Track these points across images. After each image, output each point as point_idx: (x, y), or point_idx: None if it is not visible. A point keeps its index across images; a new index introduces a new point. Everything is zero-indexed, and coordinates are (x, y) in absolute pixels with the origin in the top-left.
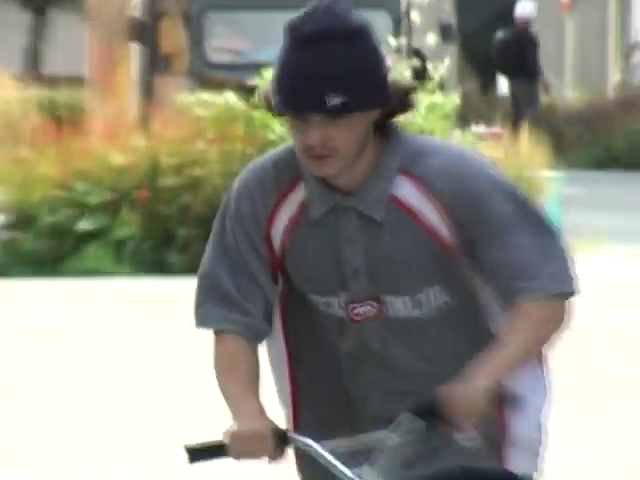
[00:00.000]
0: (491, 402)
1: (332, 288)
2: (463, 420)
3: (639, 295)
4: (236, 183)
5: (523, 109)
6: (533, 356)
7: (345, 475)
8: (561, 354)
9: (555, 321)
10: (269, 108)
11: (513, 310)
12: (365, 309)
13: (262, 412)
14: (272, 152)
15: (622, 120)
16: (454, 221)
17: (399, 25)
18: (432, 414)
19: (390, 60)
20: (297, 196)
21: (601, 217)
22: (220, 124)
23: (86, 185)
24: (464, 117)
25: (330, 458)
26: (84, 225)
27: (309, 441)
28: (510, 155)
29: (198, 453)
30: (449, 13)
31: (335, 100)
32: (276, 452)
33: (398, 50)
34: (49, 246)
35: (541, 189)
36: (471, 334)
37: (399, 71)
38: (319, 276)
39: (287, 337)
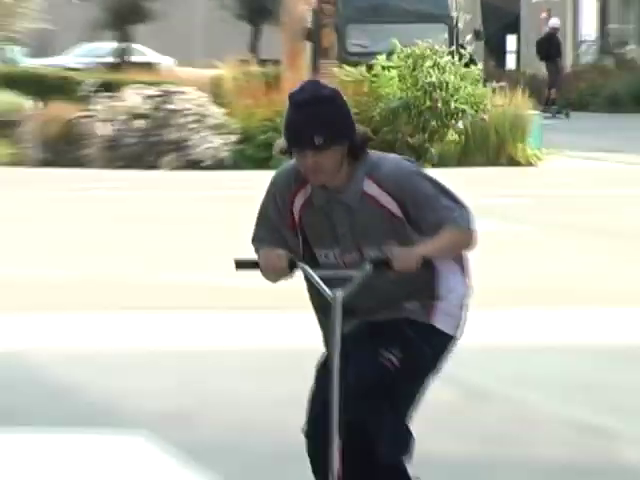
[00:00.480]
0: (420, 264)
1: (330, 244)
2: (402, 270)
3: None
4: (274, 176)
5: (552, 78)
6: (449, 254)
7: (325, 291)
8: None
9: (464, 241)
10: (284, 153)
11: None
12: (351, 256)
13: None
14: (294, 161)
15: (575, 83)
16: (399, 203)
17: (453, 31)
18: (383, 264)
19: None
20: (305, 192)
21: (571, 137)
22: (355, 85)
23: (281, 118)
24: (485, 80)
25: (318, 279)
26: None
27: (306, 267)
28: (510, 100)
29: (241, 264)
30: (480, 24)
31: (319, 141)
32: (287, 272)
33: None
34: (261, 153)
35: (529, 121)
36: (412, 277)
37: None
38: (322, 237)
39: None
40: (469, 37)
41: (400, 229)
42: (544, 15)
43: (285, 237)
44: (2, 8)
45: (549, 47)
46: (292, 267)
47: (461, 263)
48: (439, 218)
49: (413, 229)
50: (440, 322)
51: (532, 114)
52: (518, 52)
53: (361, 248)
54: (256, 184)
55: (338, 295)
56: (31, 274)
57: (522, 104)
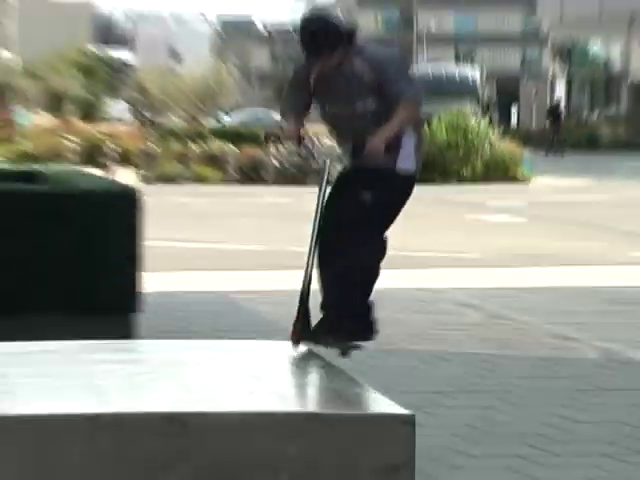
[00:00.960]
0: (385, 148)
1: (333, 100)
2: (373, 157)
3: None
4: (293, 70)
5: (555, 129)
6: (407, 126)
7: (317, 158)
8: None
9: (413, 109)
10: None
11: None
12: (347, 108)
13: (297, 125)
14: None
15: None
16: (375, 73)
17: (479, 99)
18: (359, 151)
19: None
20: (318, 67)
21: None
22: None
23: None
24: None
25: (312, 149)
26: None
27: (307, 141)
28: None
29: (268, 134)
30: (495, 96)
31: (327, 51)
32: (297, 138)
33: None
34: None
35: (521, 157)
36: (383, 119)
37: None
38: (327, 95)
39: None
40: (489, 106)
41: (376, 90)
42: (534, 91)
43: (304, 99)
44: (213, 92)
45: (556, 110)
46: (301, 139)
47: (417, 137)
48: (400, 89)
49: (380, 91)
50: (403, 164)
51: (523, 152)
52: (518, 115)
53: (353, 103)
54: None
55: (327, 161)
56: (230, 248)
57: (518, 148)
